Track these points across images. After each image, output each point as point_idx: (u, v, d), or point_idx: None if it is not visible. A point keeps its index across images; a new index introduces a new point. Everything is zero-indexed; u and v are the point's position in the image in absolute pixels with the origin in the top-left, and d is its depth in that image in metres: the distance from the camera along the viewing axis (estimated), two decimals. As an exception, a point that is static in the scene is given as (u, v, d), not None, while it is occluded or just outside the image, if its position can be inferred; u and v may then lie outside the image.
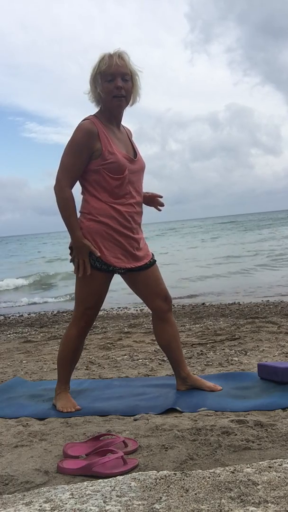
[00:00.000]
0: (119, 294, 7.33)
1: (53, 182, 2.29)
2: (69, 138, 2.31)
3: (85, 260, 2.27)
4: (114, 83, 2.25)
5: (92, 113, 2.36)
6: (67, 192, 2.27)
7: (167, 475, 1.37)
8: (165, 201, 2.66)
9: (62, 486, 1.39)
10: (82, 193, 2.37)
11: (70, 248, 2.35)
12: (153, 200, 2.61)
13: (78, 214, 2.35)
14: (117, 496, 1.26)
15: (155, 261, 2.48)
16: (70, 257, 2.36)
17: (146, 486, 1.30)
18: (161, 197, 2.62)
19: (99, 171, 2.26)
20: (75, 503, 1.23)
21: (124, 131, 2.45)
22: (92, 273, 2.29)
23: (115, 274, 2.39)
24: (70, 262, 2.36)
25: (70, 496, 1.28)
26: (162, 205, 2.64)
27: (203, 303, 6.80)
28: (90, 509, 1.19)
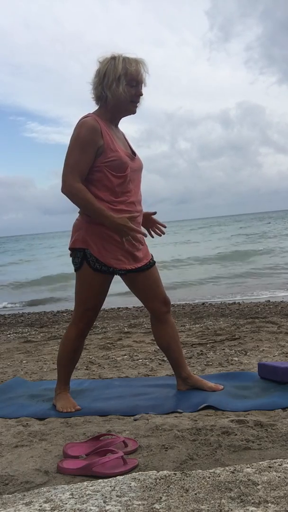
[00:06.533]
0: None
1: (58, 181, 2.26)
2: (70, 137, 2.28)
3: (133, 233, 2.21)
4: (136, 89, 2.27)
5: (91, 112, 2.33)
6: (76, 185, 2.19)
7: (167, 475, 1.37)
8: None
9: (62, 486, 1.39)
10: None
11: (70, 249, 2.34)
12: (150, 220, 2.54)
13: (78, 215, 2.34)
14: (117, 496, 1.26)
15: (155, 262, 2.48)
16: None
17: (146, 486, 1.30)
18: (154, 213, 2.55)
19: (101, 169, 2.24)
20: (75, 503, 1.23)
21: (121, 131, 2.44)
22: (92, 274, 2.29)
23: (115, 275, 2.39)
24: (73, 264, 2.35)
25: (70, 496, 1.28)
26: (164, 226, 2.57)
27: (203, 303, 6.80)
28: (90, 509, 1.19)
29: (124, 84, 2.24)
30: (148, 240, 2.46)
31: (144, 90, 2.35)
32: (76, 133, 2.22)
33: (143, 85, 2.32)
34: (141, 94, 2.30)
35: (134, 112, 2.36)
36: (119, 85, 2.23)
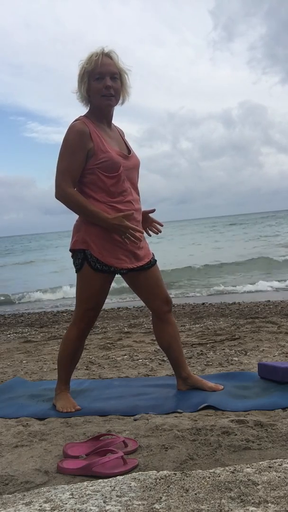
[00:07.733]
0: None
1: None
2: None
3: (129, 231, 2.21)
4: (103, 82, 2.23)
5: (83, 114, 2.33)
6: (69, 190, 2.22)
7: (167, 475, 1.37)
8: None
9: (62, 486, 1.39)
10: None
11: (71, 250, 2.34)
12: (147, 219, 2.52)
13: (78, 216, 2.34)
14: (117, 496, 1.26)
15: (156, 261, 2.48)
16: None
17: (146, 486, 1.30)
18: (153, 211, 2.54)
19: (94, 171, 2.24)
20: (75, 503, 1.23)
21: (115, 129, 2.43)
22: (93, 274, 2.28)
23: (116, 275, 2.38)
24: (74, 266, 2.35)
25: (70, 496, 1.28)
26: (161, 225, 2.56)
27: (203, 303, 6.80)
28: (90, 509, 1.19)
29: (86, 81, 2.24)
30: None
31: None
32: (65, 138, 2.24)
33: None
34: (108, 86, 2.22)
35: (109, 106, 2.29)
36: (81, 85, 2.26)
